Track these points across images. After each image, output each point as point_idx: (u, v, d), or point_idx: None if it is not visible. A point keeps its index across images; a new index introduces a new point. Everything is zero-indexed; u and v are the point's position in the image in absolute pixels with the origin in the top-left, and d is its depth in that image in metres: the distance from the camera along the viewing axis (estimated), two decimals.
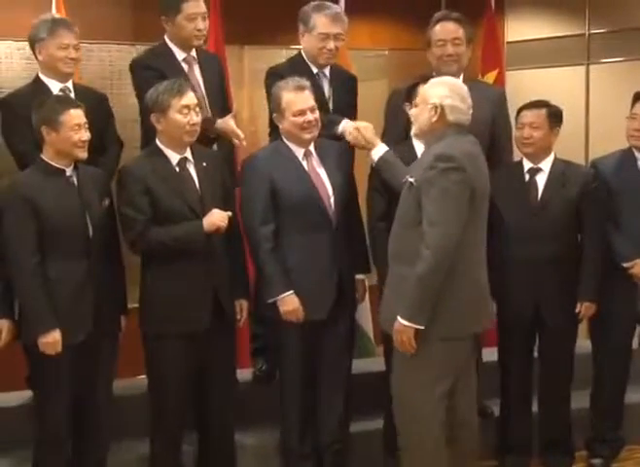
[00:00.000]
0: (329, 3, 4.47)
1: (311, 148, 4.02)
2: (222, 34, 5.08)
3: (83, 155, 3.77)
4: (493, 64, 5.61)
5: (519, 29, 6.33)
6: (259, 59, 4.89)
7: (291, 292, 3.91)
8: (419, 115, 3.66)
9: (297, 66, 4.43)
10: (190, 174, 3.88)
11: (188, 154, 3.90)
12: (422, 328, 3.48)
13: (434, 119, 3.59)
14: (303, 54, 4.46)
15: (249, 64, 4.98)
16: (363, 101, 4.65)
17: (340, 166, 4.06)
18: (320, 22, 4.37)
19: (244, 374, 4.49)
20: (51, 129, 3.72)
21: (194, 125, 3.83)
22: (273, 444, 4.24)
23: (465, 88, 3.69)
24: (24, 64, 5.22)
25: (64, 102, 3.79)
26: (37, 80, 4.23)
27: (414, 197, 3.53)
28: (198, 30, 4.28)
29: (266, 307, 3.96)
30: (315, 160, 4.03)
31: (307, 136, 3.97)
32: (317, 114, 3.98)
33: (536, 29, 6.26)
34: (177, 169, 3.86)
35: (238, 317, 4.03)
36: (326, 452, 4.11)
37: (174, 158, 3.87)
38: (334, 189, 4.00)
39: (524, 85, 6.04)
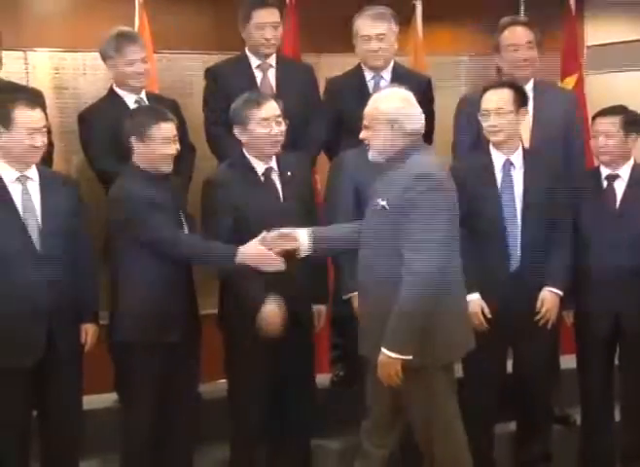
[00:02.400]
0: (378, 6, 4.49)
1: None
2: (298, 42, 5.17)
3: (167, 168, 3.85)
4: (573, 68, 5.58)
5: (600, 32, 6.26)
6: (335, 68, 4.93)
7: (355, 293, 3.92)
8: (375, 136, 3.51)
9: (351, 74, 4.55)
10: (274, 184, 3.94)
11: (273, 163, 3.95)
12: (410, 358, 3.36)
13: (391, 134, 3.47)
14: (361, 64, 4.54)
15: (325, 72, 5.02)
16: (442, 108, 4.68)
17: None
18: (361, 25, 4.45)
19: (323, 379, 4.55)
20: (139, 141, 3.80)
21: (275, 135, 3.87)
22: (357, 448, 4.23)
23: (410, 93, 3.56)
24: (108, 76, 5.31)
25: (156, 115, 3.85)
26: (111, 92, 4.40)
27: (389, 221, 3.40)
28: (266, 39, 4.42)
29: (343, 306, 4.01)
30: None
31: None
32: None
33: (617, 32, 6.19)
34: (262, 179, 3.93)
35: (315, 323, 4.07)
36: None
37: (260, 167, 3.93)
38: None
39: (605, 89, 5.97)
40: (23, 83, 5.00)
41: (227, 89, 4.41)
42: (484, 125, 4.07)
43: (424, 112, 3.92)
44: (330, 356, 4.74)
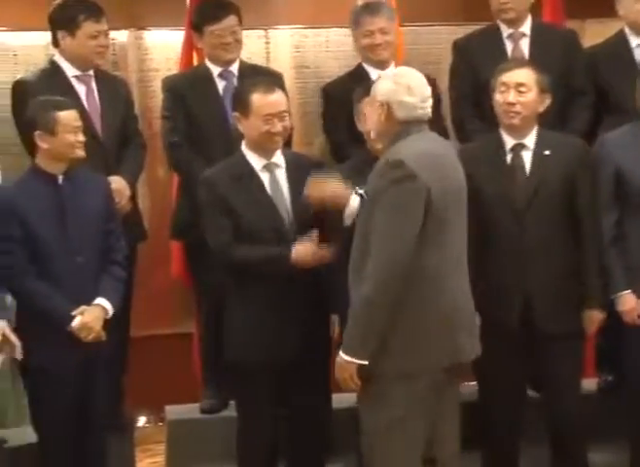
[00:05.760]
0: None
1: None
2: (560, 7, 4.94)
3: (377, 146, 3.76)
4: None
5: None
6: (600, 34, 4.65)
7: (628, 291, 3.76)
8: (370, 116, 3.36)
9: (613, 41, 4.31)
10: (522, 164, 3.79)
11: (527, 140, 3.80)
12: (365, 363, 3.18)
13: (382, 118, 3.27)
14: (625, 29, 4.27)
15: (590, 40, 4.77)
16: None
17: None
18: None
19: (590, 384, 4.36)
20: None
21: (509, 104, 3.73)
22: (625, 462, 4.03)
23: (418, 77, 3.31)
24: (352, 51, 5.22)
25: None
26: (359, 67, 4.38)
27: (368, 212, 3.24)
28: (501, 3, 4.30)
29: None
30: None
31: None
32: None
33: None
34: (509, 156, 3.80)
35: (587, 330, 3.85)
36: None
37: (509, 142, 3.81)
38: None
39: None
40: (264, 63, 5.08)
41: (474, 62, 4.34)
42: None
43: None
44: (596, 360, 4.51)
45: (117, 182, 4.06)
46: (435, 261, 3.19)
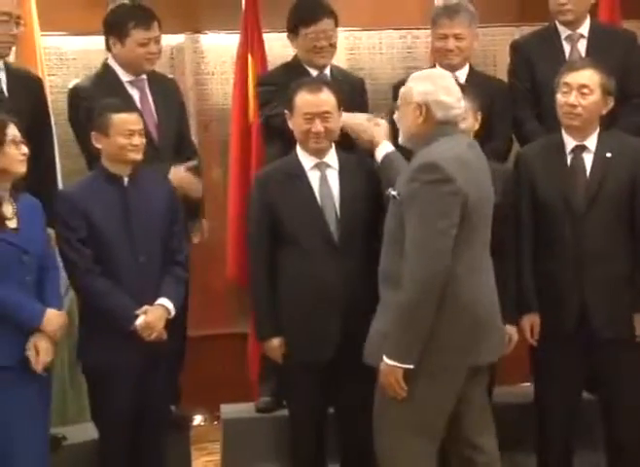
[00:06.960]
0: None
1: None
2: (618, 8, 4.91)
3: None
4: None
5: None
6: None
7: None
8: (403, 118, 3.37)
9: None
10: (582, 166, 3.77)
11: (588, 141, 3.79)
12: (410, 367, 3.22)
13: (420, 120, 3.29)
14: None
15: None
16: None
17: None
18: None
19: None
20: None
21: (571, 105, 3.72)
22: None
23: (451, 78, 3.37)
24: (406, 53, 5.39)
25: None
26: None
27: (399, 213, 3.25)
28: (560, 4, 4.28)
29: None
30: None
31: None
32: None
33: None
34: (569, 157, 3.79)
35: (638, 333, 3.79)
36: None
37: (570, 144, 3.79)
38: None
39: None
40: None
41: (532, 62, 4.34)
42: None
43: None
44: None
45: (176, 172, 4.11)
46: (468, 261, 3.24)
